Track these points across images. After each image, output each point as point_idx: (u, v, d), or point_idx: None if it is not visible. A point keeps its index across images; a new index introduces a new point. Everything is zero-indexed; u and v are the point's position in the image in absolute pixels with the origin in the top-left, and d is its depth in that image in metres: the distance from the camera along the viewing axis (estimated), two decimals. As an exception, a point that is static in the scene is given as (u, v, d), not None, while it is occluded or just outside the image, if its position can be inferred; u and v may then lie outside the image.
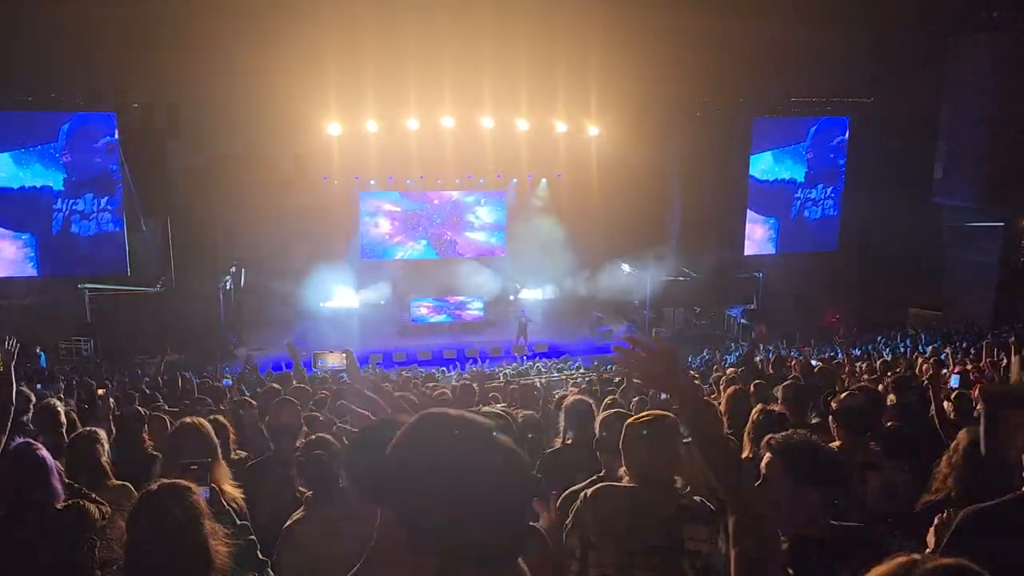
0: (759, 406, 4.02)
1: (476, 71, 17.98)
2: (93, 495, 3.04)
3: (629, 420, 3.00)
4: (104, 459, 3.58)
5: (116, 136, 17.24)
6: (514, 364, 17.62)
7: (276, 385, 6.76)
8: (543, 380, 12.85)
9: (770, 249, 21.90)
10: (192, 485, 2.25)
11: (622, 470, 2.92)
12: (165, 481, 2.22)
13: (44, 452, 2.91)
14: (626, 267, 21.01)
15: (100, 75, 16.61)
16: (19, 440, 3.02)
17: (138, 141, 17.63)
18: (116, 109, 17.24)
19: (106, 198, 17.91)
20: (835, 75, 19.75)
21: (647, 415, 2.97)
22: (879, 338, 17.63)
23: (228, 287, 19.53)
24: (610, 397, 5.70)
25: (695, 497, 2.79)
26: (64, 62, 15.97)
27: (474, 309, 22.00)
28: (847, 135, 21.18)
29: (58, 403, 4.93)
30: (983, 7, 17.76)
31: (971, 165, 18.91)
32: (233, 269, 19.70)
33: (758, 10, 16.71)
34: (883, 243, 19.50)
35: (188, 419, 3.44)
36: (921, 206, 19.54)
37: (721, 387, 6.85)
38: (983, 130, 18.49)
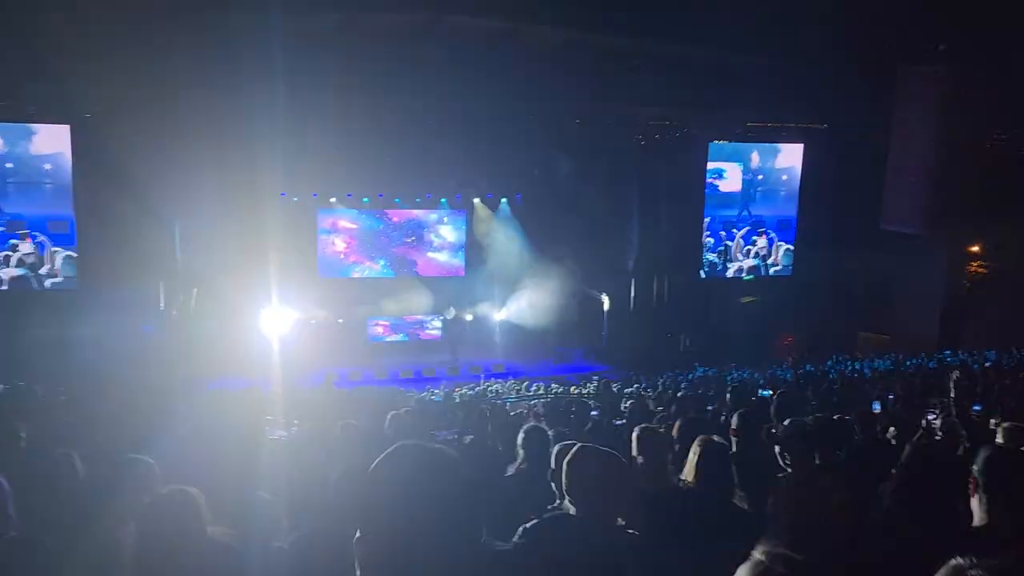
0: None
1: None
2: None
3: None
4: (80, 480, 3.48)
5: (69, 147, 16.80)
6: (470, 383, 17.60)
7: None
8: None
9: (726, 273, 22.22)
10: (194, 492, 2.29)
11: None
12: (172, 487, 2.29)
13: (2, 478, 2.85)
14: (597, 294, 21.20)
15: (51, 84, 16.26)
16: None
17: (91, 152, 17.25)
18: (68, 120, 16.85)
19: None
20: (789, 101, 20.25)
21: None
22: (828, 362, 17.97)
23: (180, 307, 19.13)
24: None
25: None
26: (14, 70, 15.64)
27: (432, 328, 21.92)
28: (800, 161, 21.64)
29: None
30: (931, 40, 18.38)
31: (917, 192, 19.52)
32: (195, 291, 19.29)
33: (716, 37, 17.07)
34: (834, 268, 19.98)
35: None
36: (870, 232, 20.08)
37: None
38: (929, 158, 19.13)
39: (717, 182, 21.33)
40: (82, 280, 17.24)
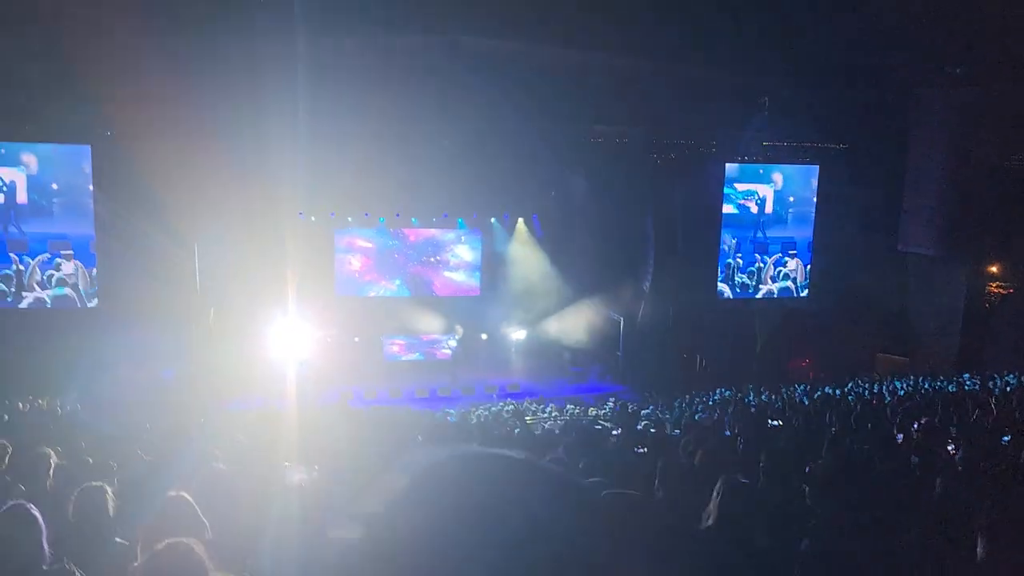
0: None
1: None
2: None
3: None
4: (111, 515, 3.52)
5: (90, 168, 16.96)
6: (487, 404, 17.58)
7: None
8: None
9: (744, 293, 22.11)
10: (192, 542, 2.29)
11: None
12: (170, 541, 2.26)
13: (35, 511, 2.87)
14: (613, 314, 21.17)
15: (72, 105, 16.49)
16: (11, 502, 2.99)
17: (112, 172, 17.46)
18: (90, 140, 17.06)
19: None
20: (807, 122, 20.25)
21: None
22: (848, 384, 17.83)
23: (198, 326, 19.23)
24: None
25: None
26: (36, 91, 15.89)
27: (447, 348, 21.94)
28: (817, 181, 21.55)
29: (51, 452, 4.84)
30: (948, 63, 18.38)
31: (935, 214, 19.43)
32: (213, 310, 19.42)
33: (733, 58, 17.13)
34: (852, 289, 19.88)
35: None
36: (888, 253, 20.00)
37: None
38: (946, 180, 19.06)
39: (748, 203, 21.20)
40: (102, 300, 17.38)
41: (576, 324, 21.59)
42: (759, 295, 21.67)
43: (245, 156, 17.62)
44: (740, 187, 20.99)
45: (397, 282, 22.73)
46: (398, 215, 21.84)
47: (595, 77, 18.18)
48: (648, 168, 20.97)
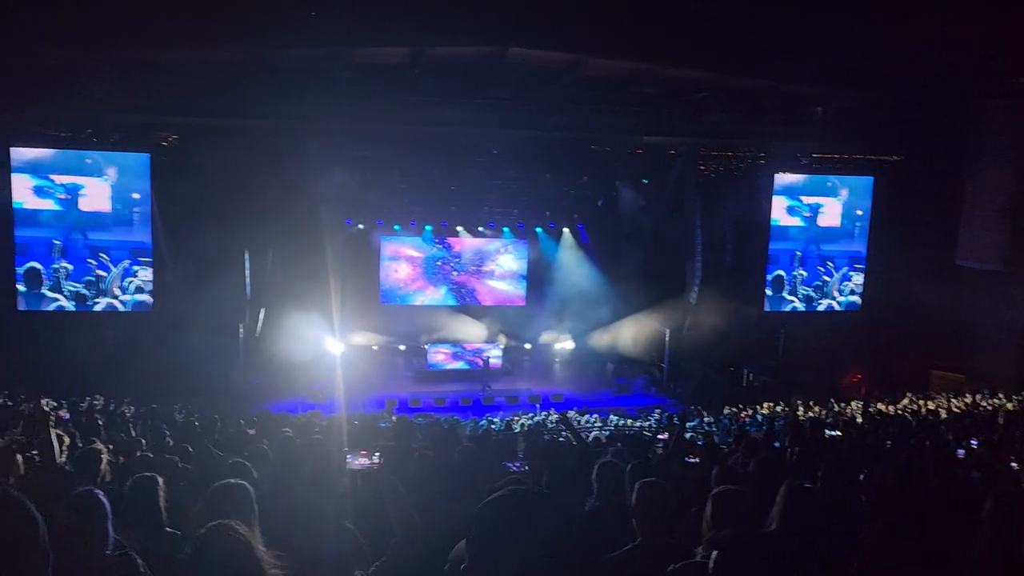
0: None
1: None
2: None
3: None
4: (162, 505, 3.60)
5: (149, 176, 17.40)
6: (530, 414, 17.52)
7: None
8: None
9: (792, 305, 21.69)
10: (236, 523, 2.32)
11: None
12: (213, 523, 2.29)
13: (104, 498, 2.95)
14: (659, 325, 20.99)
15: (133, 115, 16.95)
16: (80, 488, 3.06)
17: (167, 179, 17.89)
18: (149, 149, 17.52)
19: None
20: (861, 133, 19.84)
21: None
22: (903, 400, 17.36)
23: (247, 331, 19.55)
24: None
25: None
26: (98, 101, 16.37)
27: (492, 357, 21.96)
28: (872, 194, 21.04)
29: (102, 448, 4.98)
30: (1010, 72, 17.90)
31: (995, 228, 18.84)
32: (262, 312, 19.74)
33: (785, 69, 16.90)
34: (907, 303, 19.33)
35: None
36: (945, 267, 19.44)
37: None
38: (1006, 193, 18.48)
39: (814, 216, 20.74)
40: (157, 304, 17.79)
41: (621, 335, 21.44)
42: (820, 308, 21.16)
43: (294, 165, 17.90)
44: (806, 199, 20.51)
45: (443, 290, 22.87)
46: (444, 224, 22.01)
47: (643, 87, 18.09)
48: (696, 179, 20.76)
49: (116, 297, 17.45)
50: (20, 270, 16.85)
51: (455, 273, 22.88)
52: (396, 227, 21.92)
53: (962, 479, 6.08)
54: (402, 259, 22.58)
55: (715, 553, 2.52)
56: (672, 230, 20.87)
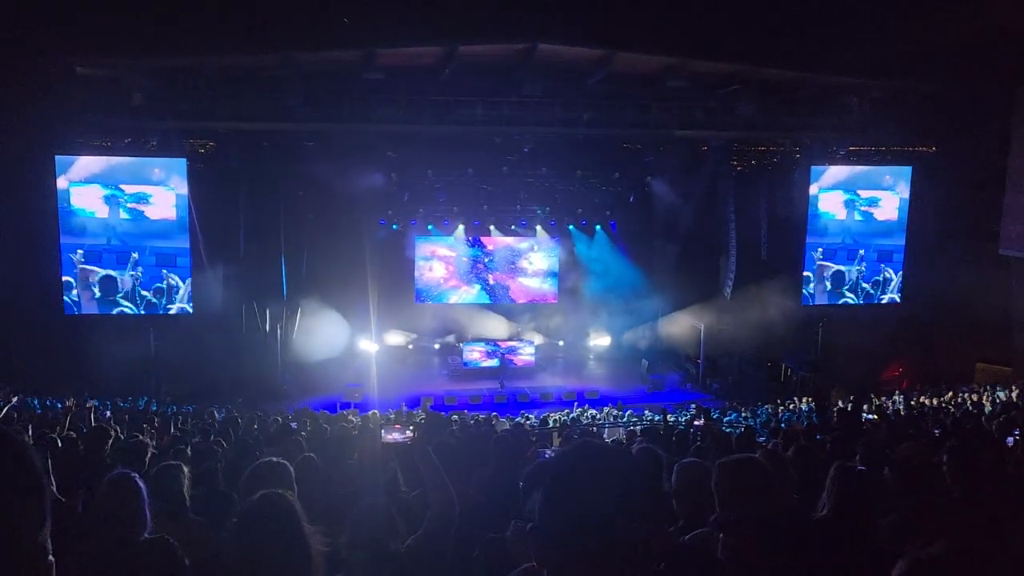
0: None
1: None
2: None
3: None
4: (186, 492, 3.64)
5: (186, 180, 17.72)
6: (566, 410, 17.48)
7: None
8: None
9: (830, 299, 21.34)
10: (287, 493, 2.34)
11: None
12: (265, 491, 2.30)
13: (141, 482, 2.98)
14: (695, 321, 20.81)
15: (171, 119, 17.27)
16: (117, 471, 3.10)
17: (205, 183, 18.18)
18: (186, 154, 17.83)
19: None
20: (898, 124, 19.45)
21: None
22: (946, 394, 16.98)
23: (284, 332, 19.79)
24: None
25: None
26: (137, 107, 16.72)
27: (525, 354, 21.94)
28: (910, 185, 20.62)
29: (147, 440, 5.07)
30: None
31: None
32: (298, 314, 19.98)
33: (817, 60, 16.67)
34: (949, 295, 18.90)
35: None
36: (987, 258, 19.00)
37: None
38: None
39: (872, 210, 20.35)
40: (196, 306, 18.10)
41: (655, 331, 21.30)
42: (883, 300, 20.75)
43: (328, 167, 18.07)
44: (864, 193, 20.10)
45: (477, 288, 22.94)
46: (477, 223, 22.08)
47: (674, 81, 17.95)
48: (730, 173, 20.56)
49: (182, 303, 17.92)
50: (69, 278, 17.31)
51: (488, 272, 22.94)
52: (430, 226, 22.04)
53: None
54: (436, 258, 22.69)
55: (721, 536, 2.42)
56: (706, 225, 20.69)
